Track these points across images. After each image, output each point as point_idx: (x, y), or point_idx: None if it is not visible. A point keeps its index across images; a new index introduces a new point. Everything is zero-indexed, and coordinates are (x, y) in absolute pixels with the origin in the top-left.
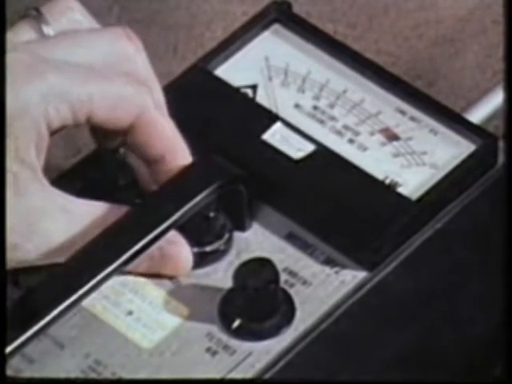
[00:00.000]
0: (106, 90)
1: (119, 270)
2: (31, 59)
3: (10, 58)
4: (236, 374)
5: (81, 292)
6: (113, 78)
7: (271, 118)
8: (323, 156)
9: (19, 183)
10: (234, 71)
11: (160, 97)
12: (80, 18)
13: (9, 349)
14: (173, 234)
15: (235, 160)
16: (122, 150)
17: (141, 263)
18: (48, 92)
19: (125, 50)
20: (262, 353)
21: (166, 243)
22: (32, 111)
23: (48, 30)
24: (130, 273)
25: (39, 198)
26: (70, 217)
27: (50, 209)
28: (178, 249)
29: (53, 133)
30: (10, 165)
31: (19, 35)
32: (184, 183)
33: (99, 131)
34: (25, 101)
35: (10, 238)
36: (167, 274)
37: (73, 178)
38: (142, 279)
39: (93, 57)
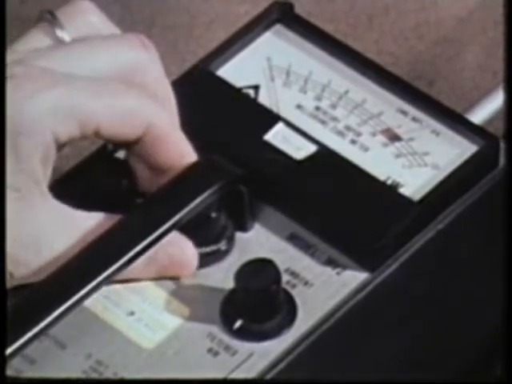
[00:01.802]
0: (115, 106)
1: (121, 271)
2: (39, 73)
3: (18, 71)
4: (237, 375)
5: (82, 292)
6: (122, 92)
7: (273, 118)
8: (325, 156)
9: (24, 198)
10: (235, 72)
11: (172, 108)
12: (96, 21)
13: (9, 350)
14: (177, 236)
15: (237, 160)
16: (124, 153)
17: (148, 269)
18: (56, 106)
19: (139, 59)
20: (264, 353)
21: (172, 246)
22: (40, 126)
23: (63, 35)
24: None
25: (43, 212)
26: (73, 231)
27: (53, 223)
28: (185, 251)
29: (60, 146)
30: (16, 179)
31: (32, 42)
32: (185, 184)
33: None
34: (32, 115)
35: (13, 251)
36: (173, 276)
37: (74, 179)
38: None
39: (105, 66)
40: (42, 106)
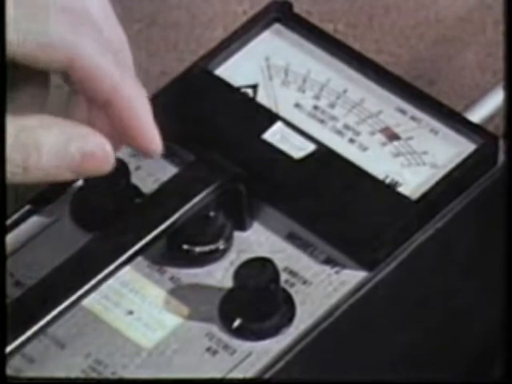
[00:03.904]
0: (33, 28)
1: (120, 270)
2: None
3: None
4: (236, 374)
5: (81, 291)
6: (46, 15)
7: (272, 117)
8: (323, 155)
9: None
10: (234, 71)
11: (112, 41)
12: None
13: (9, 348)
14: (89, 132)
15: (235, 159)
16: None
17: (59, 168)
18: None
19: None
20: (262, 352)
21: (85, 142)
22: None
23: None
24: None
25: None
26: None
27: None
28: (100, 146)
29: None
30: None
31: None
32: (184, 183)
33: None
34: None
35: None
36: (90, 173)
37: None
38: (142, 279)
39: None
40: None
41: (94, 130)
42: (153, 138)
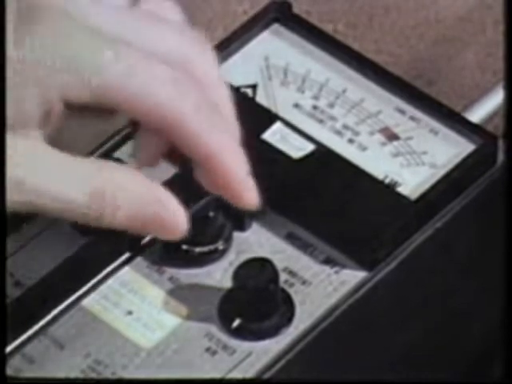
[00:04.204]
0: (135, 76)
1: (119, 270)
2: (64, 17)
3: (47, 9)
4: (236, 374)
5: (81, 291)
6: (151, 64)
7: (271, 117)
8: (323, 156)
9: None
10: (233, 71)
11: (220, 99)
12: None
13: (9, 348)
14: (168, 197)
15: None
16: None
17: (133, 221)
18: (69, 60)
19: (188, 51)
20: (262, 352)
21: (161, 207)
22: (49, 76)
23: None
24: None
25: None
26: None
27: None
28: (174, 214)
29: (74, 107)
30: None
31: None
32: (184, 183)
33: None
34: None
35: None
36: (159, 236)
37: None
38: (141, 279)
39: (158, 47)
40: (65, 54)
41: (171, 196)
42: (248, 195)
